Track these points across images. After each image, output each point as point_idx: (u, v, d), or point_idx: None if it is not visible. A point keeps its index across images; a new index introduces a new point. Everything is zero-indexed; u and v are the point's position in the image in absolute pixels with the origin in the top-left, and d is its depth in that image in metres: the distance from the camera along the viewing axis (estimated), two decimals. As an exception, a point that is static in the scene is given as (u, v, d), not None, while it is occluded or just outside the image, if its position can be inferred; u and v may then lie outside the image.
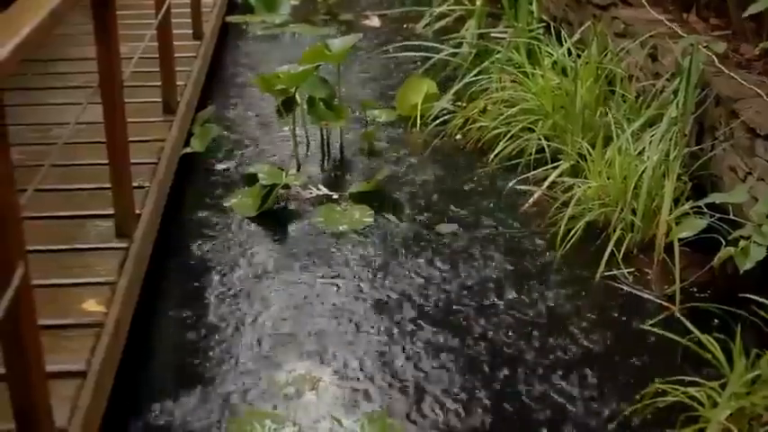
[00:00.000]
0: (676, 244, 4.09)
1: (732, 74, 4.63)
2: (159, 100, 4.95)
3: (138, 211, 3.77)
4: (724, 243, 3.96)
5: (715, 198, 4.14)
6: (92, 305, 3.13)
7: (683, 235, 4.16)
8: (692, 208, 4.27)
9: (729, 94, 4.45)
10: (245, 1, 8.45)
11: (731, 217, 4.09)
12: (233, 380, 3.45)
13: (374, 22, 8.11)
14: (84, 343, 2.93)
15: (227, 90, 6.56)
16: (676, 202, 4.35)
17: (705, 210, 4.20)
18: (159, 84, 4.95)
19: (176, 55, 5.12)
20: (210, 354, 3.61)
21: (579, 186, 4.60)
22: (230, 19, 8.00)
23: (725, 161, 4.38)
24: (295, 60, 5.57)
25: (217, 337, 3.72)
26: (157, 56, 4.92)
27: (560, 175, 4.83)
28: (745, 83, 4.50)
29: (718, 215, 4.15)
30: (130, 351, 3.31)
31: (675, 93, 4.68)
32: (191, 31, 6.23)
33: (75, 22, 5.51)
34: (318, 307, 3.94)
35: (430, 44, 6.57)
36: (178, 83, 5.14)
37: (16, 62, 2.18)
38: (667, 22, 5.52)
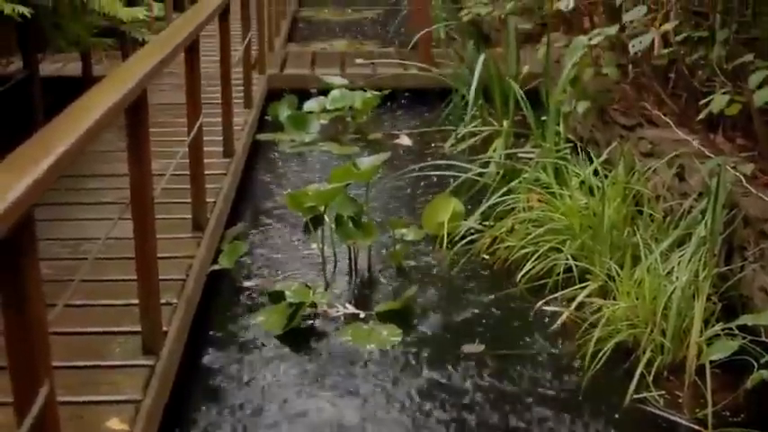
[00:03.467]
0: (707, 366, 4.03)
1: (760, 194, 4.63)
2: (189, 217, 4.99)
3: (165, 329, 3.77)
4: (756, 366, 3.90)
5: (746, 320, 4.09)
6: (115, 423, 3.11)
7: (715, 357, 4.09)
8: (722, 329, 4.22)
9: (758, 214, 4.44)
10: (275, 119, 8.59)
11: (763, 339, 4.03)
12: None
13: (404, 141, 8.20)
14: (107, 462, 2.89)
15: (256, 207, 6.62)
16: (706, 323, 4.29)
17: (736, 331, 4.15)
18: (189, 201, 5.00)
19: (207, 172, 5.19)
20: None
21: (608, 307, 4.56)
22: (260, 137, 8.11)
23: (755, 282, 4.35)
24: (324, 178, 5.61)
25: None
26: (188, 173, 4.98)
27: (588, 296, 4.79)
28: (773, 203, 4.50)
29: (750, 337, 4.09)
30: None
31: (703, 213, 4.68)
32: (221, 149, 6.32)
33: (108, 139, 5.63)
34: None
35: (457, 163, 6.63)
36: (208, 200, 5.19)
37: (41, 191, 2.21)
38: (694, 143, 5.55)
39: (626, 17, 5.85)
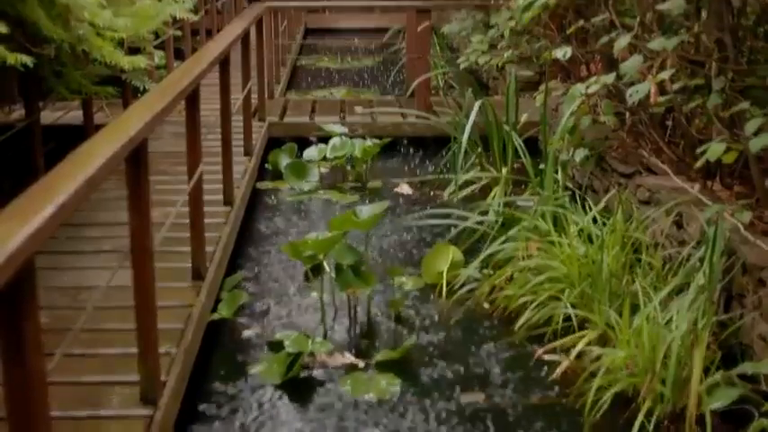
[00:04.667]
0: (708, 415, 4.01)
1: (758, 241, 4.64)
2: (188, 265, 4.99)
3: (163, 378, 3.75)
4: (757, 414, 3.88)
5: (746, 368, 4.08)
6: (113, 473, 3.10)
7: (715, 406, 4.08)
8: (723, 378, 4.20)
9: (756, 262, 4.45)
10: (275, 167, 8.61)
11: (763, 387, 4.02)
12: None
13: (404, 189, 8.21)
14: None
15: (255, 255, 6.62)
16: (706, 371, 4.28)
17: (736, 379, 4.14)
18: (189, 249, 5.00)
19: (206, 221, 5.20)
20: None
21: (607, 356, 4.55)
22: (260, 185, 8.14)
23: (755, 329, 4.34)
24: (323, 227, 5.61)
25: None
26: (188, 221, 4.99)
27: (588, 344, 4.78)
28: (771, 252, 4.50)
29: (750, 385, 4.08)
30: None
31: (702, 260, 4.68)
32: (221, 197, 6.34)
33: (108, 187, 5.64)
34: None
35: (456, 211, 6.63)
36: (207, 248, 5.19)
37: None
38: (691, 190, 5.56)
39: (623, 67, 5.88)
